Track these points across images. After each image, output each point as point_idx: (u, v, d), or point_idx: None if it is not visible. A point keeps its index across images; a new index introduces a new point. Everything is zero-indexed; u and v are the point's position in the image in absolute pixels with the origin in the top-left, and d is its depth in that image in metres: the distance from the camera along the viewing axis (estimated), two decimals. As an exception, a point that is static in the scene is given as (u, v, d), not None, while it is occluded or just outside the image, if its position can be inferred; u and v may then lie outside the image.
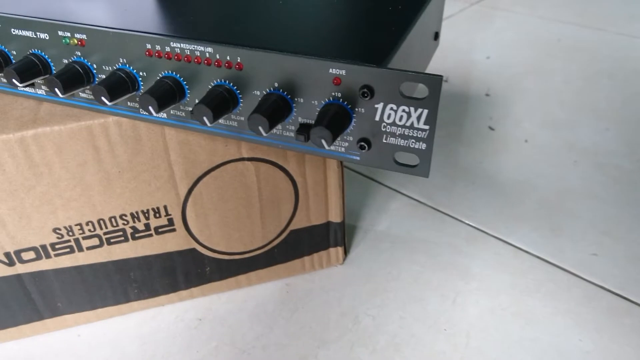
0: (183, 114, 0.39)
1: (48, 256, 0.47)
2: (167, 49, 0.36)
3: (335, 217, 0.55)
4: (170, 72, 0.37)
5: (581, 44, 1.10)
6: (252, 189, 0.49)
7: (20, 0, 0.43)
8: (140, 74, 0.38)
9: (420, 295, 0.56)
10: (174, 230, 0.49)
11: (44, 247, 0.46)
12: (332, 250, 0.58)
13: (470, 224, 0.65)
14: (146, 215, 0.47)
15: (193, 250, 0.51)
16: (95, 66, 0.39)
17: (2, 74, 0.43)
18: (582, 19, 1.23)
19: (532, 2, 1.36)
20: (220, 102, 0.35)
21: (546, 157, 0.76)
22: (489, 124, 0.84)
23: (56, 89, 0.38)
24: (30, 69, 0.40)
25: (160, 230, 0.49)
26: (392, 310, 0.54)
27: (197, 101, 0.37)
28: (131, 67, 0.38)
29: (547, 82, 0.96)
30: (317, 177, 0.51)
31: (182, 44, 0.35)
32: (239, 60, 0.34)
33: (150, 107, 0.35)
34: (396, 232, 0.64)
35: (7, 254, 0.46)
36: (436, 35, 0.50)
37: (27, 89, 0.43)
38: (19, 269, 0.47)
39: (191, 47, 0.35)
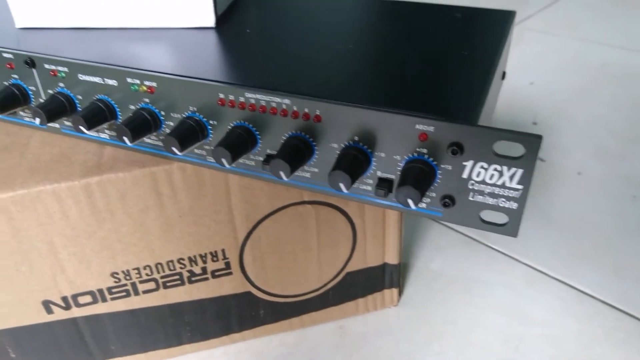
0: (253, 162, 0.37)
1: (104, 300, 0.46)
2: (241, 98, 0.34)
3: (391, 258, 0.53)
4: (242, 121, 0.36)
5: (628, 68, 1.07)
6: (310, 231, 0.48)
7: (86, 45, 0.42)
8: (211, 122, 0.37)
9: (480, 341, 0.53)
10: (230, 273, 0.48)
11: (100, 291, 0.45)
12: (386, 291, 0.56)
13: (528, 263, 0.62)
14: (204, 259, 0.46)
15: (248, 293, 0.50)
16: (163, 113, 0.38)
17: (67, 118, 0.43)
18: (627, 41, 1.20)
19: (570, 22, 1.33)
20: (296, 155, 0.33)
21: (602, 191, 0.73)
22: (538, 154, 0.81)
23: (125, 138, 0.37)
24: (97, 115, 0.39)
25: (216, 273, 0.48)
26: (451, 358, 0.52)
27: (268, 151, 0.36)
28: (201, 116, 0.37)
29: (595, 110, 0.93)
30: (376, 218, 0.49)
31: (257, 95, 0.34)
32: (317, 113, 0.33)
33: (223, 160, 0.34)
34: (450, 270, 0.62)
35: (64, 298, 0.45)
36: (504, 75, 0.48)
37: (90, 132, 0.42)
38: (75, 312, 0.46)
39: (267, 98, 0.34)
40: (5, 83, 0.43)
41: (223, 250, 0.46)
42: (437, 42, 0.41)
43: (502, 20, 0.45)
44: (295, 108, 0.33)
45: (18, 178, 0.39)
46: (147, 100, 0.38)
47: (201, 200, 0.43)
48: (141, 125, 0.37)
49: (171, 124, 0.38)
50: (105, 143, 0.43)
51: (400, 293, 0.58)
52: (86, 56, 0.39)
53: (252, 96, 0.34)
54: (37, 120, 0.40)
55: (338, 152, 0.34)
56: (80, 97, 0.41)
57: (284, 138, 0.35)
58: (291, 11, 0.50)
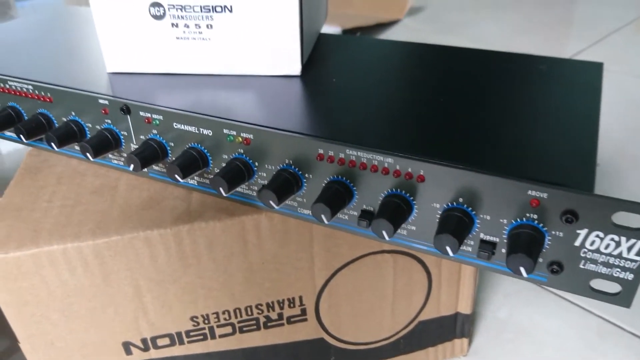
0: (346, 217, 0.37)
1: (181, 342, 0.46)
2: (341, 155, 0.35)
3: (464, 308, 0.52)
4: (340, 177, 0.35)
5: (690, 108, 1.04)
6: (387, 280, 0.47)
7: (178, 92, 0.43)
8: (306, 176, 0.37)
9: (555, 398, 0.51)
10: (305, 320, 0.48)
11: (179, 334, 0.46)
12: (457, 341, 0.55)
13: (601, 315, 0.60)
14: (281, 305, 0.46)
15: (321, 339, 0.49)
16: (257, 164, 0.38)
17: (157, 164, 0.43)
18: (686, 79, 1.17)
19: (623, 58, 1.31)
20: (397, 214, 0.33)
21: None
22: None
23: (221, 189, 0.37)
24: (191, 165, 0.39)
25: (292, 319, 0.47)
26: (527, 415, 0.50)
27: (364, 207, 0.36)
28: (296, 169, 0.37)
29: (659, 151, 0.90)
30: (452, 268, 0.48)
31: (359, 152, 0.34)
32: (421, 173, 0.33)
33: (323, 216, 0.34)
34: (519, 320, 0.60)
35: (144, 340, 0.45)
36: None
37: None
38: (152, 354, 0.46)
39: (369, 155, 0.34)
40: (98, 127, 0.44)
41: (300, 297, 0.46)
42: (531, 98, 0.41)
43: (591, 73, 0.44)
44: (397, 167, 0.33)
45: (112, 224, 0.40)
46: (241, 151, 0.38)
47: (285, 248, 0.43)
48: (236, 176, 0.38)
49: (264, 174, 0.39)
50: (192, 189, 0.43)
51: (469, 343, 0.56)
52: (181, 104, 0.40)
53: (353, 153, 0.34)
54: (131, 167, 0.41)
55: (439, 212, 0.33)
56: (172, 144, 0.42)
57: (383, 196, 0.34)
58: (374, 59, 0.50)
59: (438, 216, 0.33)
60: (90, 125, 0.45)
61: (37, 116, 0.47)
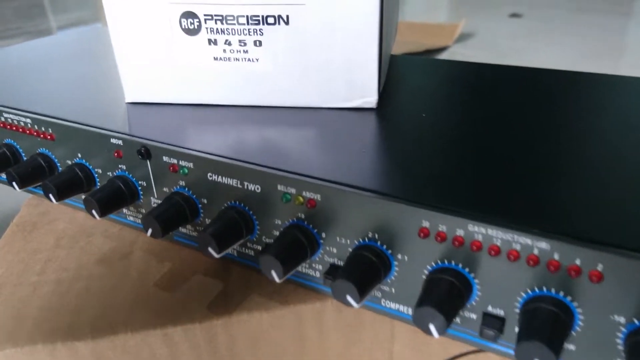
0: (458, 320, 0.25)
1: None
2: (460, 232, 0.23)
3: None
4: (449, 262, 0.23)
5: None
6: (489, 386, 0.34)
7: (217, 130, 0.32)
8: (399, 258, 0.25)
9: None
10: None
11: None
12: None
13: None
14: (345, 418, 0.34)
15: None
16: (324, 235, 0.27)
17: (187, 227, 0.32)
18: None
19: None
20: (558, 330, 0.21)
21: None
22: None
23: (273, 272, 0.26)
24: (232, 234, 0.28)
25: None
26: None
27: (489, 308, 0.24)
28: (384, 247, 0.25)
29: None
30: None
31: (489, 230, 0.22)
32: (599, 270, 0.20)
33: (432, 326, 0.22)
34: None
35: None
36: None
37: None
38: None
39: (506, 236, 0.22)
40: (110, 174, 0.34)
41: (371, 408, 0.33)
42: None
43: None
44: (556, 257, 0.21)
45: (120, 312, 0.29)
46: (302, 216, 0.27)
47: (356, 346, 0.31)
48: (294, 253, 0.26)
49: (333, 250, 0.27)
50: (231, 260, 0.32)
51: None
52: (218, 148, 0.29)
53: (478, 231, 0.22)
54: (149, 232, 0.30)
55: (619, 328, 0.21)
56: (205, 201, 0.30)
57: (524, 299, 0.22)
58: (461, 86, 0.39)
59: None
60: (100, 171, 0.34)
61: (35, 158, 0.36)
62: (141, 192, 0.33)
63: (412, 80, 0.41)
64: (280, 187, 0.27)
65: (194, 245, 0.33)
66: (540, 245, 0.21)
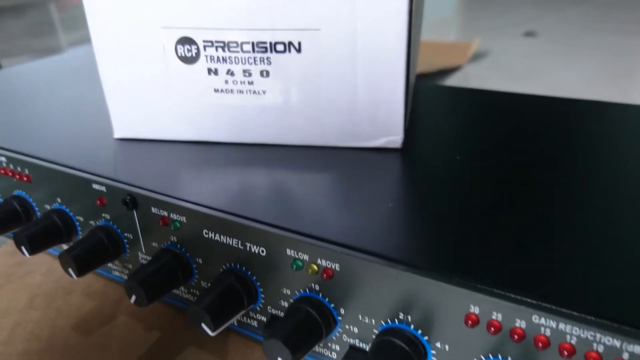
0: None
1: None
2: (521, 323, 0.17)
3: None
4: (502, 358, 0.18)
5: None
6: None
7: (217, 177, 0.27)
8: (437, 346, 0.20)
9: None
10: None
11: None
12: None
13: None
14: None
15: None
16: (342, 312, 0.22)
17: (179, 290, 0.28)
18: None
19: None
20: None
21: None
22: None
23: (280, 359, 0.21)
24: (232, 303, 0.23)
25: None
26: None
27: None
28: (419, 332, 0.20)
29: None
30: None
31: (562, 325, 0.17)
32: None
33: None
34: None
35: None
36: None
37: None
38: None
39: (583, 331, 0.16)
40: (93, 223, 0.29)
41: None
42: None
43: None
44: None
45: (94, 398, 0.24)
46: (316, 287, 0.22)
47: None
48: (310, 335, 0.21)
49: (354, 329, 0.22)
50: (232, 330, 0.27)
51: None
52: (217, 199, 0.25)
53: (545, 324, 0.17)
54: (133, 299, 0.25)
55: None
56: (200, 260, 0.26)
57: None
58: (497, 120, 0.34)
59: None
60: (81, 219, 0.30)
61: (10, 201, 0.32)
62: (127, 246, 0.29)
63: (439, 113, 0.36)
64: (290, 252, 0.22)
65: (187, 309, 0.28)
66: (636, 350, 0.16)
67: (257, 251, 0.23)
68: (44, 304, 0.30)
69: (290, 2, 0.27)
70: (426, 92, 0.40)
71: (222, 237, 0.24)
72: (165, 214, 0.25)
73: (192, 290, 0.27)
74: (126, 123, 0.32)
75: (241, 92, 0.30)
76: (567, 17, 2.13)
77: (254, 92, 0.29)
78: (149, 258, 0.28)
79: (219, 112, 0.30)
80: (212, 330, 0.23)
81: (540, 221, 0.22)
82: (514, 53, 1.69)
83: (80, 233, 0.31)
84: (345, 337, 0.23)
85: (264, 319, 0.25)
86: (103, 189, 0.27)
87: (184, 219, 0.25)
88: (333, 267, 0.21)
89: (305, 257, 0.22)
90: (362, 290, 0.21)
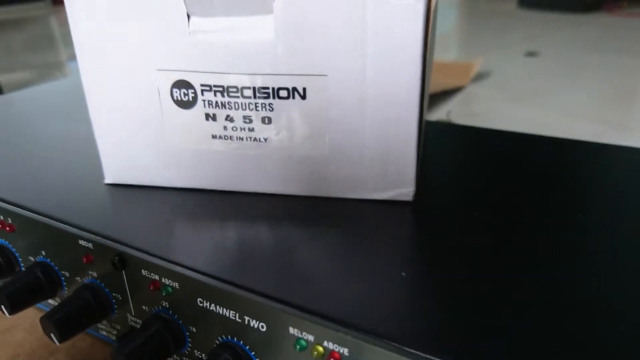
0: None
1: None
2: None
3: None
4: None
5: None
6: None
7: (215, 234, 0.25)
8: None
9: None
10: None
11: None
12: None
13: None
14: None
15: None
16: (352, 400, 0.19)
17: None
18: None
19: None
20: None
21: None
22: None
23: None
24: (225, 385, 0.21)
25: None
26: None
27: None
28: None
29: None
30: None
31: None
32: None
33: None
34: None
35: None
36: None
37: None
38: None
39: None
40: (79, 279, 0.27)
41: None
42: None
43: None
44: None
45: None
46: (322, 370, 0.20)
47: None
48: None
49: (364, 417, 0.20)
50: (226, 405, 0.25)
51: None
52: (214, 263, 0.22)
53: None
54: (120, 373, 0.22)
55: None
56: (193, 329, 0.23)
57: None
58: (515, 167, 0.32)
59: None
60: (67, 274, 0.28)
61: (-8, 251, 0.30)
62: (115, 307, 0.26)
63: (450, 156, 0.34)
64: (293, 331, 0.20)
65: (179, 378, 0.26)
66: None
67: (256, 326, 0.21)
68: (25, 366, 0.27)
69: (295, 45, 0.25)
70: (435, 131, 0.38)
71: (218, 307, 0.22)
72: (157, 277, 0.23)
73: (184, 359, 0.25)
74: (117, 168, 0.30)
75: (241, 139, 0.27)
76: (567, 36, 2.13)
77: (255, 139, 0.27)
78: (138, 321, 0.26)
79: (217, 160, 0.28)
80: (206, 416, 0.20)
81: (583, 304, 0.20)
82: (515, 73, 1.67)
83: (65, 288, 0.28)
84: None
85: (263, 396, 0.23)
86: (90, 245, 0.25)
87: (176, 284, 0.23)
88: (341, 351, 0.19)
89: (310, 338, 0.19)
90: (375, 378, 0.19)
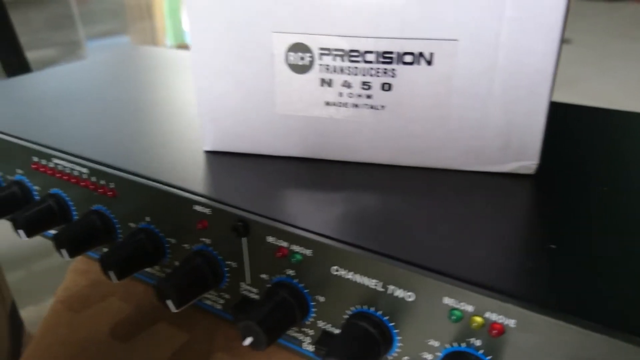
0: None
1: None
2: None
3: None
4: None
5: None
6: None
7: (334, 202, 0.24)
8: None
9: None
10: None
11: None
12: None
13: None
14: None
15: None
16: (510, 374, 0.19)
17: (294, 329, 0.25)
18: None
19: None
20: None
21: None
22: None
23: None
24: (369, 351, 0.20)
25: None
26: None
27: None
28: (618, 406, 0.17)
29: None
30: None
31: None
32: None
33: None
34: None
35: None
36: None
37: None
38: None
39: None
40: (187, 246, 0.26)
41: None
42: None
43: None
44: None
45: None
46: (478, 343, 0.19)
47: None
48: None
49: (520, 393, 0.19)
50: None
51: None
52: (351, 233, 0.21)
53: None
54: (247, 342, 0.22)
55: None
56: (322, 299, 0.23)
57: None
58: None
59: None
60: (173, 241, 0.27)
61: (90, 217, 0.29)
62: (227, 274, 0.26)
63: (568, 134, 0.33)
64: (448, 301, 0.19)
65: (297, 348, 0.25)
66: None
67: (402, 295, 0.20)
68: (130, 333, 0.27)
69: (427, 7, 0.24)
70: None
71: (357, 276, 0.21)
72: (285, 245, 0.22)
73: (303, 330, 0.24)
74: (219, 135, 0.29)
75: (356, 105, 0.26)
76: (597, 23, 2.09)
77: (371, 106, 0.26)
78: (253, 290, 0.25)
79: (328, 128, 0.27)
80: (352, 387, 0.19)
81: None
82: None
83: (168, 256, 0.28)
84: (506, 401, 0.19)
85: (396, 369, 0.22)
86: (208, 211, 0.24)
87: (309, 252, 0.22)
88: (506, 323, 0.18)
89: (469, 309, 0.19)
90: (540, 351, 0.18)
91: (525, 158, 0.26)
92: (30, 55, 1.76)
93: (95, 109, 0.37)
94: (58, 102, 0.38)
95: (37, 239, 0.32)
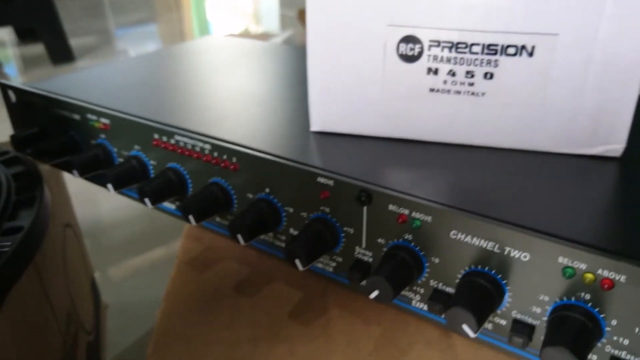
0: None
1: None
2: None
3: None
4: None
5: None
6: None
7: (441, 176, 0.28)
8: None
9: None
10: None
11: None
12: None
13: None
14: None
15: None
16: (614, 324, 0.22)
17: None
18: None
19: None
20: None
21: None
22: None
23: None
24: (486, 304, 0.23)
25: None
26: None
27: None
28: None
29: None
30: None
31: None
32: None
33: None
34: None
35: None
36: None
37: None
38: None
39: None
40: (304, 215, 0.30)
41: None
42: None
43: None
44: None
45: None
46: (586, 297, 0.22)
47: None
48: (588, 340, 0.21)
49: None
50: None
51: None
52: (468, 202, 0.25)
53: None
54: (374, 295, 0.25)
55: None
56: (436, 260, 0.26)
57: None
58: None
59: None
60: (290, 210, 0.30)
61: (210, 189, 0.33)
62: (343, 239, 0.29)
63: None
64: (562, 260, 0.22)
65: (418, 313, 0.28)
66: None
67: (517, 256, 0.23)
68: (250, 291, 0.31)
69: (531, 4, 0.26)
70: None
71: (475, 239, 0.24)
72: (406, 212, 0.26)
73: (417, 290, 0.28)
74: (327, 116, 0.32)
75: (458, 92, 0.30)
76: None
77: (473, 93, 0.29)
78: (367, 253, 0.28)
79: (430, 112, 0.31)
80: (474, 332, 0.23)
81: None
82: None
83: (283, 224, 0.31)
84: (609, 348, 0.23)
85: (503, 322, 0.25)
86: (331, 183, 0.28)
87: (429, 218, 0.25)
88: (617, 278, 0.21)
89: (582, 267, 0.22)
90: (648, 303, 0.21)
91: (613, 142, 0.29)
92: (74, 42, 1.81)
93: (198, 91, 0.40)
94: (165, 85, 0.42)
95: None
